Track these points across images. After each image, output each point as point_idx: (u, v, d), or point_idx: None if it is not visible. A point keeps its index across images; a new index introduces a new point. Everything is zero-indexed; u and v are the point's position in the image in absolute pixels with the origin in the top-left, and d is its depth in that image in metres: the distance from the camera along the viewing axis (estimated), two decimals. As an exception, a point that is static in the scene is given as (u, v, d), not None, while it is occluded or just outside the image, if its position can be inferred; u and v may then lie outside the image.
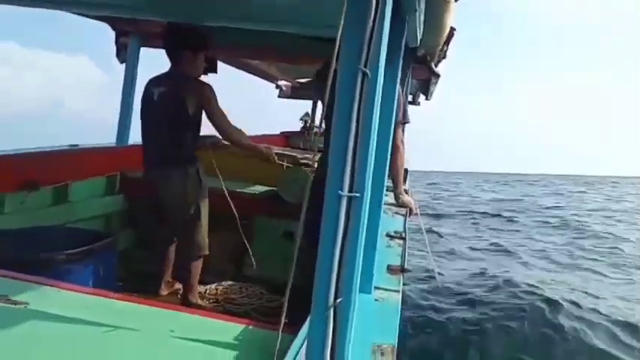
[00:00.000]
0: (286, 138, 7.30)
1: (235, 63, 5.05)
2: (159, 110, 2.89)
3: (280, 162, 3.40)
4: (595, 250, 10.41)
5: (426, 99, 3.44)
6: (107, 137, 3.82)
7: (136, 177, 3.75)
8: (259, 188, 3.71)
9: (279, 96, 7.28)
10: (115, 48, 3.88)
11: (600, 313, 5.77)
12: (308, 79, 6.94)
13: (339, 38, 0.98)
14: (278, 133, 7.38)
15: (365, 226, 1.06)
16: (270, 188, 3.76)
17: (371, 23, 1.01)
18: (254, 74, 6.31)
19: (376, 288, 1.68)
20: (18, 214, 2.81)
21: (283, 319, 1.13)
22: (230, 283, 3.46)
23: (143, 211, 3.83)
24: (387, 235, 2.18)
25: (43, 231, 2.93)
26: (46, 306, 1.50)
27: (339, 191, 0.99)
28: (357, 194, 1.02)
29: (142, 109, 2.98)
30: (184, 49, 2.88)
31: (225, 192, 3.17)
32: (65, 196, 3.19)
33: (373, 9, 1.00)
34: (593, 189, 34.60)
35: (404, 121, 2.74)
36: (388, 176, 2.87)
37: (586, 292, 6.69)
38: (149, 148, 2.99)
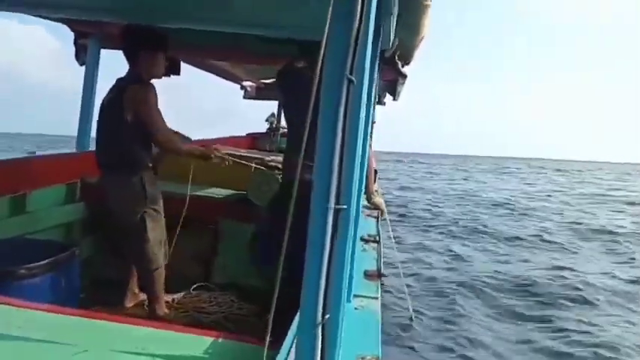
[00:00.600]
0: (253, 139, 7.23)
1: (199, 64, 4.94)
2: (104, 117, 2.82)
3: (241, 162, 3.33)
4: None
5: (394, 99, 3.44)
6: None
7: (97, 183, 3.62)
8: (226, 192, 3.63)
9: (244, 97, 7.19)
10: (73, 49, 3.74)
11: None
12: (272, 80, 6.89)
13: (323, 44, 0.94)
14: (244, 135, 7.29)
15: (352, 238, 1.03)
16: (238, 192, 3.69)
17: (355, 30, 0.97)
18: (218, 75, 6.21)
19: (355, 296, 1.64)
20: None
21: (268, 336, 1.08)
22: (198, 291, 3.37)
23: (104, 217, 3.72)
24: (362, 238, 2.15)
25: (2, 244, 2.80)
26: (3, 326, 1.41)
27: (327, 204, 0.95)
28: (345, 206, 0.99)
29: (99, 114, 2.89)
30: (142, 49, 2.77)
31: (187, 197, 3.09)
32: (23, 206, 3.04)
33: (358, 15, 0.96)
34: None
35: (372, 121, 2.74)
36: None
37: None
38: (98, 155, 2.90)
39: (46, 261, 2.40)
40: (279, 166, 3.65)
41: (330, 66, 0.97)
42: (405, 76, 3.51)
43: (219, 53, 3.99)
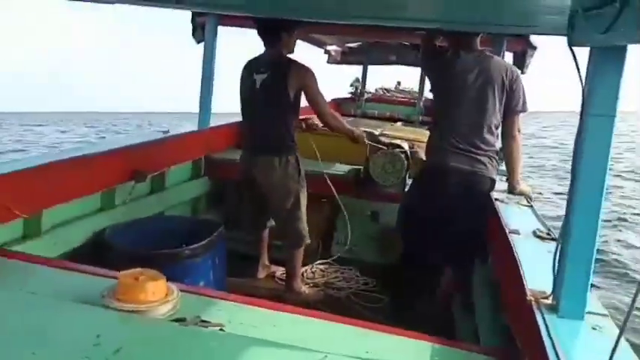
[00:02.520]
0: (337, 105, 7.20)
1: None
2: (262, 98, 2.85)
3: (370, 143, 3.36)
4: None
5: (522, 72, 3.30)
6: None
7: (220, 159, 3.77)
8: (344, 167, 3.69)
9: (328, 61, 7.10)
10: (190, 27, 3.80)
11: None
12: (358, 43, 6.77)
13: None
14: (329, 100, 7.26)
15: None
16: (355, 167, 3.73)
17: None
18: (302, 39, 6.17)
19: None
20: (125, 206, 2.85)
21: None
22: (321, 263, 3.50)
23: (230, 192, 3.88)
24: (535, 234, 2.11)
25: (163, 222, 3.01)
26: (241, 327, 1.52)
27: None
28: None
29: (243, 96, 2.95)
30: (282, 31, 2.82)
31: (326, 177, 3.19)
32: (162, 183, 3.21)
33: None
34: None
35: (523, 109, 2.65)
36: (501, 160, 2.83)
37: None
38: (251, 135, 2.97)
39: (206, 241, 2.54)
40: (391, 141, 3.65)
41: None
42: (534, 47, 3.37)
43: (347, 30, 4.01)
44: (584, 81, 1.31)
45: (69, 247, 2.40)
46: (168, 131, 3.47)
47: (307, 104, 2.90)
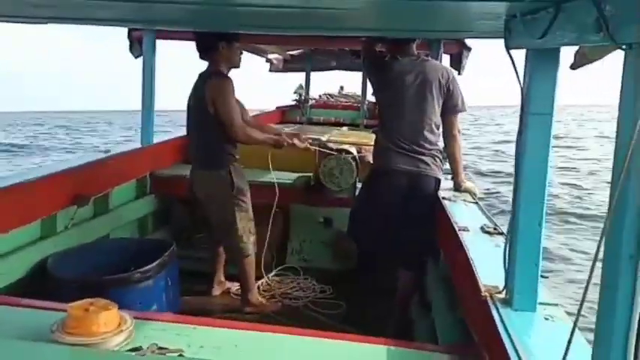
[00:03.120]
0: (282, 113, 7.19)
1: None
2: (191, 113, 2.91)
3: (319, 149, 3.37)
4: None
5: (459, 74, 3.41)
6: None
7: (166, 175, 3.66)
8: (294, 175, 3.68)
9: (270, 70, 7.09)
10: (127, 42, 3.68)
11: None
12: (299, 51, 6.79)
13: None
14: (274, 108, 7.25)
15: None
16: (305, 174, 3.73)
17: None
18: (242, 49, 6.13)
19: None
20: (67, 231, 2.72)
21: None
22: (276, 274, 3.47)
23: (177, 209, 3.78)
24: (483, 230, 2.17)
25: (109, 245, 2.90)
26: (201, 350, 1.47)
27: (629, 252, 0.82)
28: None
29: (187, 112, 2.97)
30: (219, 42, 2.76)
31: (276, 187, 3.16)
32: (106, 205, 3.09)
33: None
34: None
35: (462, 109, 2.74)
36: (445, 160, 2.90)
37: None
38: (191, 150, 3.02)
39: (157, 261, 2.46)
40: (339, 147, 3.67)
41: None
42: (469, 49, 3.49)
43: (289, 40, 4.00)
44: (521, 81, 1.36)
45: (10, 279, 2.27)
46: (109, 151, 3.35)
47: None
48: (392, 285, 2.90)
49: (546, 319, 1.44)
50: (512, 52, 1.35)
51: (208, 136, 2.82)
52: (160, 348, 1.44)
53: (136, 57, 3.69)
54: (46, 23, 2.09)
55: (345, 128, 5.64)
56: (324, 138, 3.98)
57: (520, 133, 1.38)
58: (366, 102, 7.06)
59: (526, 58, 1.36)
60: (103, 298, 1.54)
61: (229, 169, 2.83)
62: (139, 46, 3.65)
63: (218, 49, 2.77)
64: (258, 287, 3.22)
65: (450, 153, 2.78)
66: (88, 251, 2.68)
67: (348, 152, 3.47)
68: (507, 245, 1.48)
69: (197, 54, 2.88)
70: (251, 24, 2.33)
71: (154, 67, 3.63)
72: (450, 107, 2.72)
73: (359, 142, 3.96)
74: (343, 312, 3.05)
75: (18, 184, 2.45)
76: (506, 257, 1.47)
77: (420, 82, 2.67)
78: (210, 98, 2.73)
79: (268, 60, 7.10)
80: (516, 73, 1.33)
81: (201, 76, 2.85)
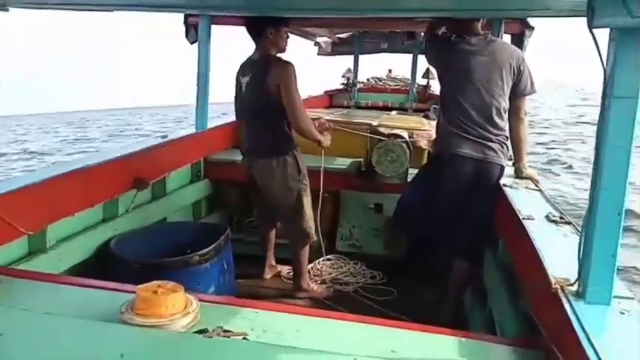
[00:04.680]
0: (330, 97, 7.15)
1: None
2: (247, 100, 2.82)
3: (370, 135, 3.34)
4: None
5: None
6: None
7: (219, 160, 3.72)
8: (346, 161, 3.65)
9: (318, 53, 7.05)
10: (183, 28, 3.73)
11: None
12: (348, 33, 6.71)
13: None
14: (322, 93, 7.21)
15: None
16: (356, 159, 3.70)
17: None
18: (290, 32, 6.11)
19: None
20: (128, 215, 2.80)
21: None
22: (326, 259, 3.48)
23: (230, 193, 3.83)
24: (549, 219, 2.08)
25: (167, 229, 2.96)
26: (264, 335, 1.49)
27: None
28: None
29: (235, 99, 2.93)
30: (267, 27, 2.73)
31: (328, 172, 3.15)
32: (163, 189, 3.16)
33: None
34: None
35: (532, 91, 2.62)
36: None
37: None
38: (246, 138, 2.93)
39: (215, 245, 2.50)
40: (390, 132, 3.62)
41: None
42: (532, 28, 3.34)
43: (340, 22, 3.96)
44: (604, 62, 1.28)
45: (75, 261, 2.35)
46: (166, 136, 3.41)
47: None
48: (445, 273, 2.85)
49: (622, 313, 1.37)
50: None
51: (272, 122, 2.76)
52: (225, 330, 1.46)
53: (192, 43, 3.73)
54: (112, 11, 2.13)
55: (393, 112, 5.55)
56: (375, 123, 3.93)
57: (602, 116, 1.31)
58: (416, 85, 6.92)
59: (610, 37, 1.28)
60: (167, 280, 1.57)
61: (294, 154, 2.82)
62: (194, 32, 3.69)
63: (266, 34, 2.74)
64: (309, 272, 3.23)
65: (514, 136, 2.64)
66: (148, 234, 2.75)
67: (399, 137, 3.41)
68: (583, 235, 1.41)
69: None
70: (307, 7, 2.29)
71: (209, 53, 3.66)
72: (520, 90, 2.59)
73: (410, 126, 3.88)
74: (394, 299, 3.03)
75: (82, 169, 2.53)
76: (581, 247, 1.41)
77: (489, 62, 2.54)
78: (274, 84, 2.66)
79: (316, 43, 7.07)
80: (599, 53, 1.25)
81: (255, 61, 2.80)
